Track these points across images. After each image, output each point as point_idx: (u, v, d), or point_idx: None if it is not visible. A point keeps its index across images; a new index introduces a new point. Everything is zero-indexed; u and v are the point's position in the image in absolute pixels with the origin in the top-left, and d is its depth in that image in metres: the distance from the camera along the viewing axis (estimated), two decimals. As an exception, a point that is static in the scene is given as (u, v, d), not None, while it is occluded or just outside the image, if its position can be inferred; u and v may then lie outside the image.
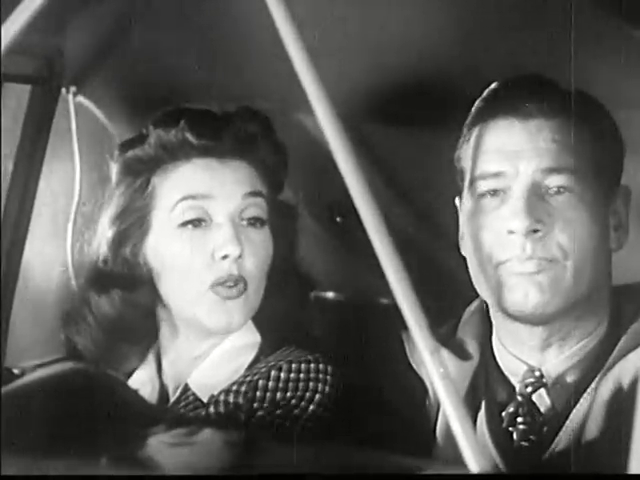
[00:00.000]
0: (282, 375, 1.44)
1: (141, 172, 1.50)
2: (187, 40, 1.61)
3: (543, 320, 1.35)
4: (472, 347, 1.43)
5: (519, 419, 1.37)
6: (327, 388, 1.44)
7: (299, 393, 1.43)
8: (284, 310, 1.52)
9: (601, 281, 1.37)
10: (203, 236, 1.46)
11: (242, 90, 1.65)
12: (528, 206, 1.32)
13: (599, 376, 1.34)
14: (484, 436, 1.37)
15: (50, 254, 1.76)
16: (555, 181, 1.33)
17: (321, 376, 1.44)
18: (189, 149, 1.47)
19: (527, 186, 1.33)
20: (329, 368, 1.45)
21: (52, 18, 1.52)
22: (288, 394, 1.43)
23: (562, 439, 1.34)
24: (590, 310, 1.36)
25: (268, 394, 1.43)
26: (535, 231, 1.32)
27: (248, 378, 1.45)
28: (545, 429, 1.36)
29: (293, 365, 1.45)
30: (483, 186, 1.36)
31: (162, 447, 1.20)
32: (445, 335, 1.45)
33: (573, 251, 1.32)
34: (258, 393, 1.43)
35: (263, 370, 1.45)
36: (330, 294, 1.81)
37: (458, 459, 1.01)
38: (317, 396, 1.43)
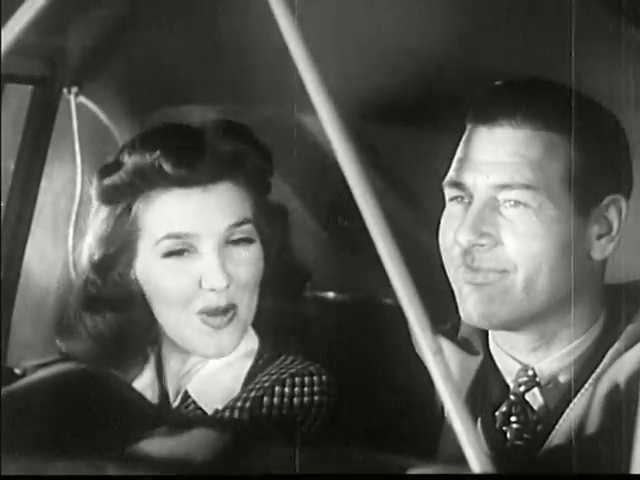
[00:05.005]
0: (286, 390, 1.44)
1: (120, 199, 1.47)
2: (188, 41, 1.62)
3: (500, 327, 1.37)
4: (477, 343, 1.44)
5: (512, 418, 1.38)
6: (332, 399, 1.44)
7: (304, 410, 1.43)
8: (280, 307, 1.52)
9: (579, 287, 1.35)
10: (189, 264, 1.44)
11: (243, 91, 1.66)
12: (476, 220, 1.34)
13: (594, 375, 1.35)
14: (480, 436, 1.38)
15: (51, 254, 1.76)
16: (510, 195, 1.34)
17: (325, 388, 1.45)
18: (167, 179, 1.44)
19: (482, 199, 1.35)
20: (332, 379, 1.45)
21: (54, 19, 1.53)
22: (294, 411, 1.43)
23: (556, 438, 1.34)
24: (579, 312, 1.36)
25: (274, 411, 1.43)
26: (481, 245, 1.34)
27: (252, 394, 1.45)
28: (539, 428, 1.37)
29: (296, 379, 1.45)
30: (448, 193, 1.39)
31: (162, 447, 1.21)
32: (450, 331, 1.46)
33: (522, 263, 1.33)
34: (264, 410, 1.43)
35: (267, 385, 1.45)
36: (331, 294, 1.81)
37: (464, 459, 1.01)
38: (323, 410, 1.44)
